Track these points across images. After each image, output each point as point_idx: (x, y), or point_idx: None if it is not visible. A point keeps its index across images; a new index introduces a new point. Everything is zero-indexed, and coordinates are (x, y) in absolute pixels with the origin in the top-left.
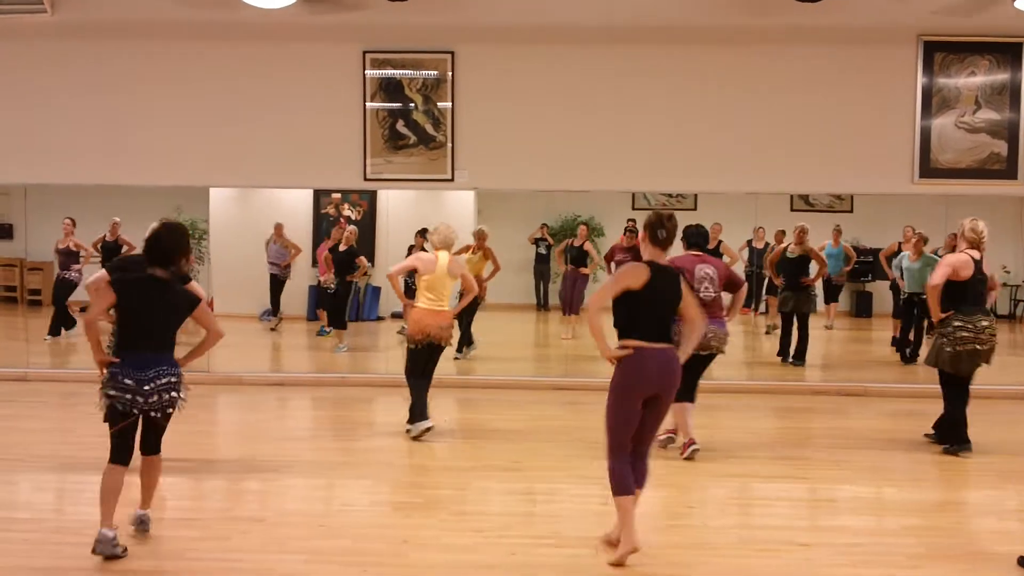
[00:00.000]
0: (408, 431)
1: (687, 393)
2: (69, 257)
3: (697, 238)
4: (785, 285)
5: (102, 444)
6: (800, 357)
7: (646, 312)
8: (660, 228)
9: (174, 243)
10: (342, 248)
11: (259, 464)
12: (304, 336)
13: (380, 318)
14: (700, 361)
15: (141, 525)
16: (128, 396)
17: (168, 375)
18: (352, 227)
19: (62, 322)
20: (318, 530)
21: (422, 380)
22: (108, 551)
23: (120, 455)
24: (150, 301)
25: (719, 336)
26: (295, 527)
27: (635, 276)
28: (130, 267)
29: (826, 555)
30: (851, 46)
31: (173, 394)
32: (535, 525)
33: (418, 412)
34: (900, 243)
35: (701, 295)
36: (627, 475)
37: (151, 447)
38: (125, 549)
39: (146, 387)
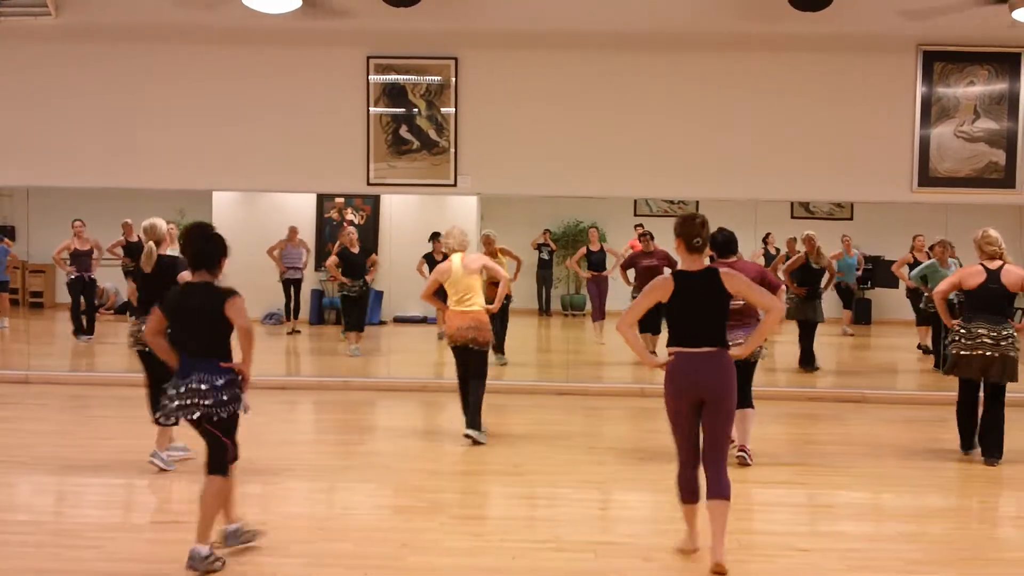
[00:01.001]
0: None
1: (741, 400)
2: (85, 258)
3: (724, 246)
4: (807, 295)
5: (103, 447)
6: (812, 362)
7: (679, 319)
8: (696, 238)
9: (217, 246)
10: (355, 251)
11: (261, 467)
12: (308, 339)
13: (383, 322)
14: (739, 370)
15: (191, 561)
16: (168, 403)
17: (199, 382)
18: (352, 228)
19: (88, 323)
20: (319, 533)
21: (463, 386)
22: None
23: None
24: (186, 308)
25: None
26: (296, 530)
27: (663, 290)
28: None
29: (824, 560)
30: (851, 55)
31: (198, 400)
32: (536, 529)
33: (466, 419)
34: (914, 254)
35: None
36: (688, 483)
37: (208, 464)
38: (222, 561)
39: (178, 392)
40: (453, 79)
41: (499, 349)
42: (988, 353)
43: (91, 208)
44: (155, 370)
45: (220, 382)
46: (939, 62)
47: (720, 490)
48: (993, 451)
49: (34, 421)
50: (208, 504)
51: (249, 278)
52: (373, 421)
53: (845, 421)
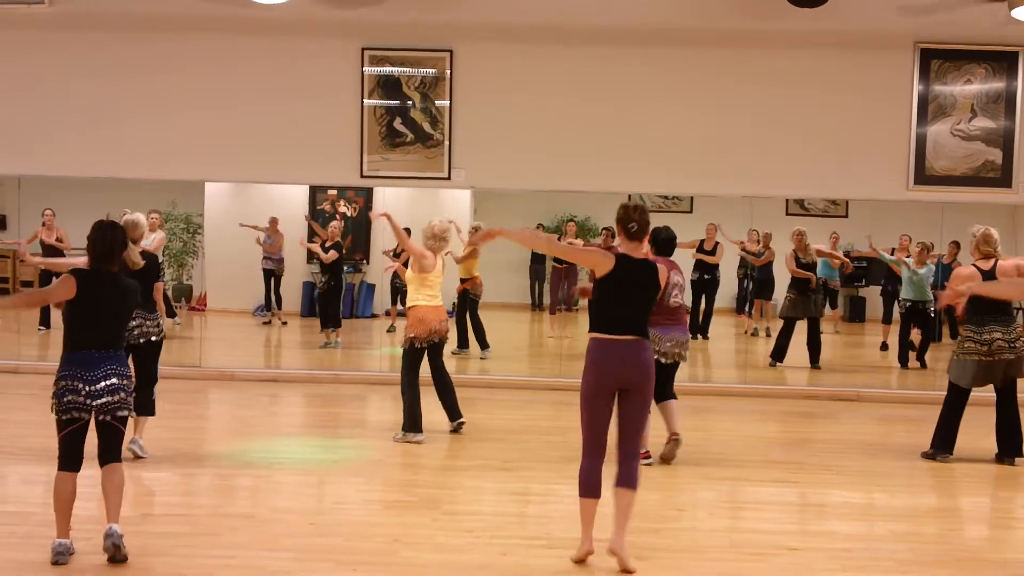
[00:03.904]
0: (395, 437)
1: (665, 394)
2: (55, 252)
3: (663, 244)
4: (798, 290)
5: (91, 438)
6: (817, 360)
7: (609, 303)
8: (630, 223)
9: (113, 241)
10: (328, 244)
11: (250, 460)
12: (298, 332)
13: (374, 315)
14: (663, 369)
15: (108, 539)
16: (80, 398)
17: (116, 375)
18: (333, 223)
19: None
20: (309, 528)
21: (414, 384)
22: (64, 561)
23: (69, 461)
24: (98, 294)
25: (681, 343)
26: (286, 524)
27: (603, 261)
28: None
29: (815, 560)
30: (849, 52)
31: (122, 395)
32: (527, 526)
33: (409, 421)
34: (894, 249)
35: (670, 302)
36: (591, 476)
37: (109, 455)
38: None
39: (96, 388)
40: (448, 72)
41: (484, 344)
42: (1007, 357)
43: (83, 198)
44: (145, 366)
45: (130, 379)
46: (936, 60)
47: (630, 479)
48: (1017, 450)
49: (23, 411)
50: (120, 488)
51: (241, 270)
52: (364, 415)
53: (839, 419)
